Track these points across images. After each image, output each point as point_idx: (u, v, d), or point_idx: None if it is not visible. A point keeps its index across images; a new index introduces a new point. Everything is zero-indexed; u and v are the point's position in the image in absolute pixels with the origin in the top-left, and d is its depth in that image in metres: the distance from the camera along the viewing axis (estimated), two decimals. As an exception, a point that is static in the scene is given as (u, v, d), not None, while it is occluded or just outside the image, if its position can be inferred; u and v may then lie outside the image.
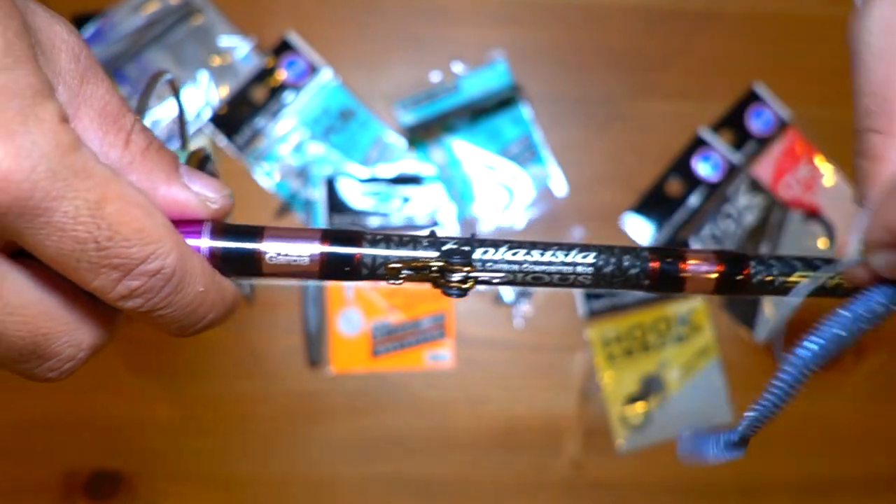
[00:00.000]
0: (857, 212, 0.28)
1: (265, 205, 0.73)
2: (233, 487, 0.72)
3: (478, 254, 0.29)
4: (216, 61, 0.74)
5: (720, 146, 0.76)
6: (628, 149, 0.76)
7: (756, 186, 0.76)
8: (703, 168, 0.76)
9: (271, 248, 0.28)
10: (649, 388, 0.74)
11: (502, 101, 0.75)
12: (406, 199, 0.74)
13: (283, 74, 0.74)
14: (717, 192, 0.76)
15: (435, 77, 0.75)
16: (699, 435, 0.30)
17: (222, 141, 0.74)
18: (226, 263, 0.28)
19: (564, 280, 0.30)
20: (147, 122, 0.29)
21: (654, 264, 0.30)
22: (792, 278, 0.30)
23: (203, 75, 0.74)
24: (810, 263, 0.31)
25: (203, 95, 0.74)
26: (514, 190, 0.75)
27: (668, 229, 0.75)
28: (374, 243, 0.29)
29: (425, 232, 0.30)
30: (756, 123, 0.77)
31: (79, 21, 0.73)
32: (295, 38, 0.74)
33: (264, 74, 0.74)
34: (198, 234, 0.28)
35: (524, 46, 0.76)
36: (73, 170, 0.23)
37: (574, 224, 0.75)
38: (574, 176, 0.75)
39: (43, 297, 0.25)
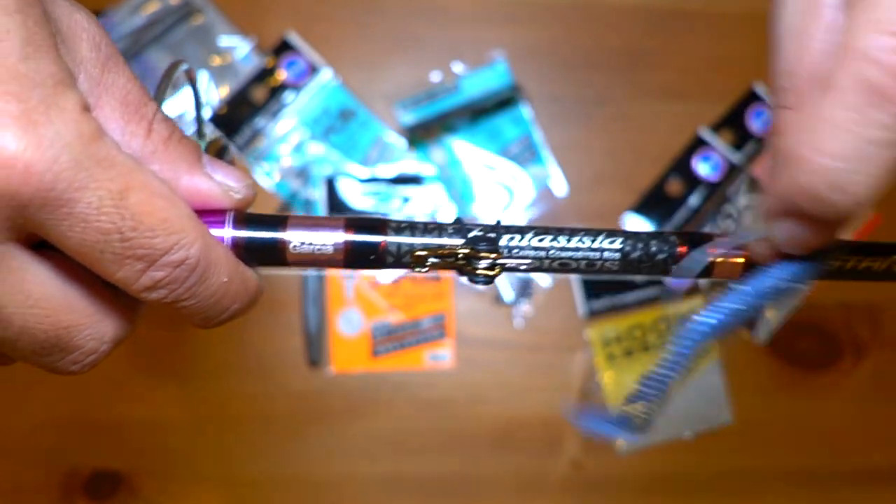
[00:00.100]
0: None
1: (265, 205, 0.73)
2: (233, 487, 0.72)
3: (504, 240, 0.29)
4: (216, 61, 0.74)
5: (720, 146, 0.76)
6: (628, 149, 0.76)
7: (756, 186, 0.76)
8: (703, 168, 0.76)
9: (295, 238, 0.28)
10: (649, 388, 0.74)
11: (502, 101, 0.75)
12: (406, 199, 0.74)
13: (283, 74, 0.74)
14: (717, 192, 0.76)
15: (435, 77, 0.75)
16: (593, 413, 0.29)
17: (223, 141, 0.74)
18: (249, 253, 0.28)
19: (591, 266, 0.29)
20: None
21: (682, 249, 0.29)
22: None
23: (203, 75, 0.74)
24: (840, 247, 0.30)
25: (203, 95, 0.74)
26: (514, 190, 0.75)
27: (668, 230, 0.75)
28: (398, 231, 0.29)
29: (450, 219, 0.30)
30: (756, 123, 0.77)
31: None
32: (295, 38, 0.74)
33: (264, 74, 0.74)
34: (221, 224, 0.28)
35: (524, 46, 0.76)
36: (96, 159, 0.23)
37: (574, 224, 0.75)
38: (574, 176, 0.75)
39: (65, 290, 0.25)
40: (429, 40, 0.76)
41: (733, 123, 0.77)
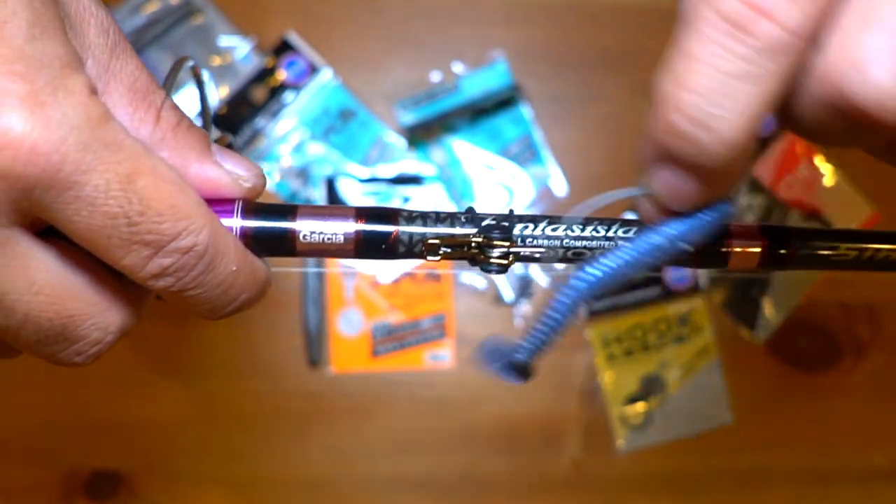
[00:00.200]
0: None
1: (265, 205, 0.73)
2: (233, 487, 0.72)
3: (517, 229, 0.28)
4: (216, 61, 0.74)
5: (720, 146, 0.76)
6: (628, 149, 0.76)
7: (756, 186, 0.76)
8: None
9: (305, 227, 0.28)
10: (649, 388, 0.74)
11: (502, 101, 0.75)
12: (406, 199, 0.74)
13: (283, 74, 0.74)
14: (717, 192, 0.76)
15: (435, 77, 0.75)
16: (495, 348, 0.29)
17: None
18: (258, 243, 0.28)
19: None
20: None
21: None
22: (839, 251, 0.29)
23: (203, 75, 0.74)
24: (860, 236, 0.29)
25: (209, 92, 0.74)
26: (514, 190, 0.75)
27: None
28: (410, 220, 0.28)
29: (462, 209, 0.29)
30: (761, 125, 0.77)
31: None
32: (295, 38, 0.74)
33: (264, 74, 0.74)
34: (230, 213, 0.27)
35: (524, 46, 0.76)
36: (104, 142, 0.22)
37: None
38: (574, 176, 0.75)
39: (70, 277, 0.25)
40: (429, 40, 0.76)
41: (733, 123, 0.77)
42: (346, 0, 0.76)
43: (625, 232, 0.28)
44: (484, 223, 0.29)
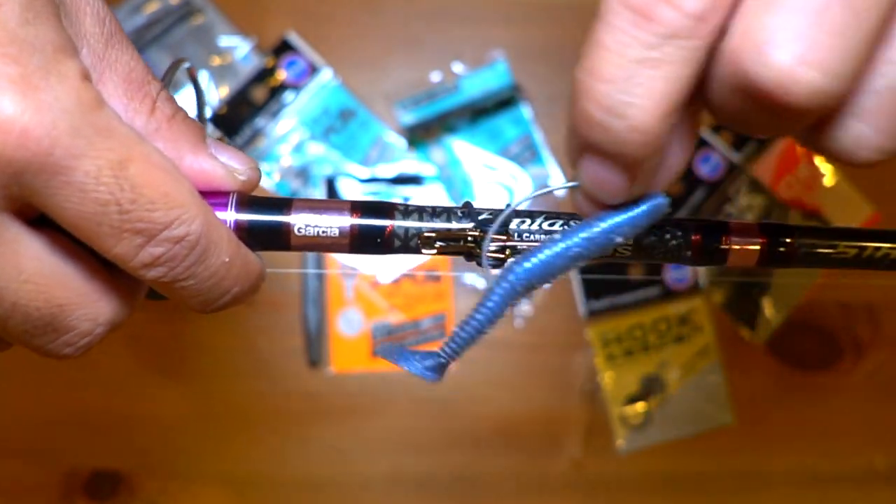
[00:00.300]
0: None
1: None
2: (233, 487, 0.72)
3: (514, 224, 0.28)
4: (216, 61, 0.74)
5: (720, 146, 0.76)
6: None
7: (756, 186, 0.76)
8: (704, 168, 0.76)
9: (300, 221, 0.27)
10: (649, 388, 0.74)
11: (502, 101, 0.75)
12: (406, 200, 0.74)
13: (283, 74, 0.74)
14: (717, 192, 0.76)
15: (435, 77, 0.75)
16: (399, 350, 0.29)
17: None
18: (253, 236, 0.27)
19: (606, 251, 0.29)
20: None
21: (697, 236, 0.29)
22: (839, 249, 0.29)
23: (203, 75, 0.74)
24: (858, 234, 0.29)
25: (205, 93, 0.74)
26: (514, 190, 0.75)
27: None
28: (406, 214, 0.28)
29: (459, 203, 0.29)
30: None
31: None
32: (295, 38, 0.74)
33: (264, 74, 0.74)
34: (224, 206, 0.27)
35: (524, 46, 0.76)
36: (96, 128, 0.22)
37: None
38: (574, 176, 0.75)
39: (60, 266, 0.25)
40: (429, 40, 0.76)
41: (733, 123, 0.77)
42: (346, 0, 0.76)
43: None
44: (480, 217, 0.28)
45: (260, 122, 0.74)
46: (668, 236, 0.29)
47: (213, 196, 0.27)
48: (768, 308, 0.75)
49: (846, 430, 0.76)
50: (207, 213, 0.25)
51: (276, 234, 0.28)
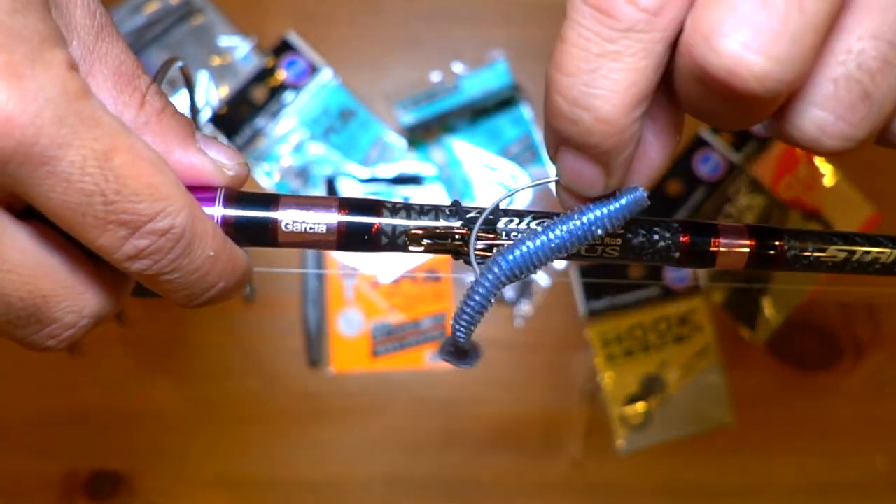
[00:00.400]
0: None
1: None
2: (233, 487, 0.72)
3: (502, 223, 0.28)
4: (216, 61, 0.74)
5: (720, 146, 0.76)
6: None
7: (756, 186, 0.76)
8: (703, 168, 0.76)
9: (287, 217, 0.27)
10: (649, 388, 0.74)
11: (502, 101, 0.75)
12: (406, 200, 0.74)
13: (283, 74, 0.74)
14: (717, 192, 0.76)
15: (435, 77, 0.75)
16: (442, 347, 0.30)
17: (222, 141, 0.73)
18: (240, 232, 0.27)
19: (592, 251, 0.29)
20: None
21: (685, 238, 0.29)
22: (828, 253, 0.29)
23: (203, 75, 0.74)
24: (847, 238, 0.29)
25: (203, 95, 0.74)
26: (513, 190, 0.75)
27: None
28: (394, 212, 0.28)
29: (445, 202, 0.29)
30: (757, 125, 0.77)
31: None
32: (295, 38, 0.74)
33: (264, 74, 0.74)
34: (211, 201, 0.27)
35: (524, 46, 0.76)
36: (81, 117, 0.22)
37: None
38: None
39: (45, 257, 0.24)
40: (429, 40, 0.76)
41: (733, 123, 0.77)
42: (346, 0, 0.76)
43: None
44: (468, 216, 0.28)
45: (260, 122, 0.74)
46: (656, 237, 0.29)
47: (201, 191, 0.27)
48: (768, 308, 0.75)
49: (846, 430, 0.76)
50: (193, 206, 0.25)
51: (263, 229, 0.27)
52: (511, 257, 0.26)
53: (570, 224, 0.26)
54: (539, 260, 0.26)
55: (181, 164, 0.26)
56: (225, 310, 0.73)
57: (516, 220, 0.28)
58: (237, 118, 0.74)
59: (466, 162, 0.75)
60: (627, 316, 0.75)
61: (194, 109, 0.33)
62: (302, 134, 0.74)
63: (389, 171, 0.74)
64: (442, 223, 0.28)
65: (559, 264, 0.75)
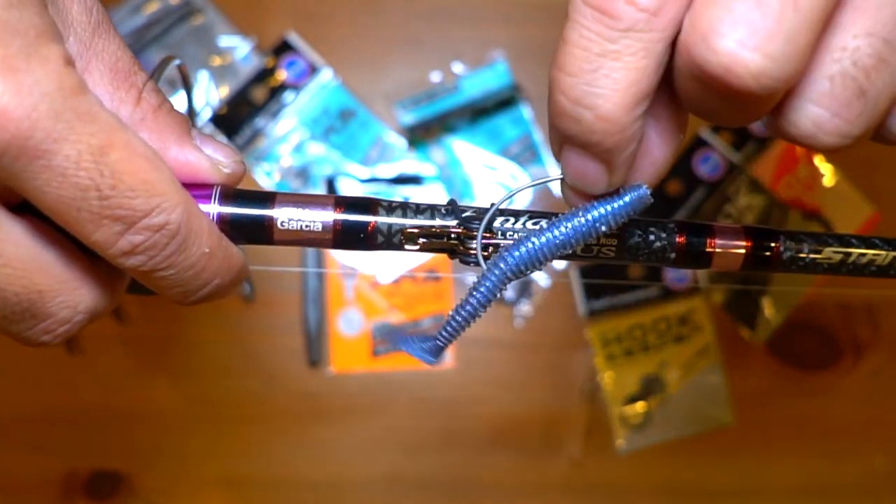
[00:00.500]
0: None
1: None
2: (233, 487, 0.72)
3: (498, 222, 0.28)
4: (216, 61, 0.74)
5: (720, 146, 0.76)
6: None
7: (756, 186, 0.76)
8: (703, 168, 0.76)
9: (283, 215, 0.27)
10: (649, 388, 0.74)
11: (502, 101, 0.75)
12: (406, 199, 0.74)
13: (283, 74, 0.74)
14: (717, 192, 0.76)
15: (435, 77, 0.75)
16: (400, 335, 0.29)
17: (222, 141, 0.73)
18: (235, 230, 0.27)
19: (588, 251, 0.29)
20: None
21: (681, 238, 0.29)
22: (823, 255, 0.29)
23: (203, 75, 0.74)
24: (843, 240, 0.29)
25: (203, 95, 0.74)
26: (513, 190, 0.75)
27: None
28: (390, 211, 0.28)
29: (443, 201, 0.29)
30: (756, 124, 0.77)
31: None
32: (295, 38, 0.74)
33: (264, 74, 0.74)
34: (208, 198, 0.27)
35: (524, 46, 0.76)
36: (77, 112, 0.22)
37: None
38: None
39: (41, 252, 0.24)
40: (429, 40, 0.76)
41: (733, 123, 0.76)
42: (346, 0, 0.76)
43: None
44: (464, 215, 0.28)
45: (260, 122, 0.74)
46: (652, 237, 0.29)
47: (197, 188, 0.27)
48: (768, 308, 0.75)
49: (846, 430, 0.76)
50: (188, 202, 0.25)
51: (259, 227, 0.27)
52: (517, 254, 0.26)
53: (575, 221, 0.26)
54: (544, 256, 0.26)
55: (177, 160, 0.26)
56: (225, 309, 0.73)
57: (512, 220, 0.29)
58: (237, 118, 0.74)
59: (466, 162, 0.75)
60: (627, 316, 0.75)
61: (191, 108, 0.33)
62: (302, 134, 0.74)
63: (389, 171, 0.74)
64: (438, 222, 0.28)
65: (559, 264, 0.75)
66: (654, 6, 0.22)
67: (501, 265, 0.26)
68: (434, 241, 0.28)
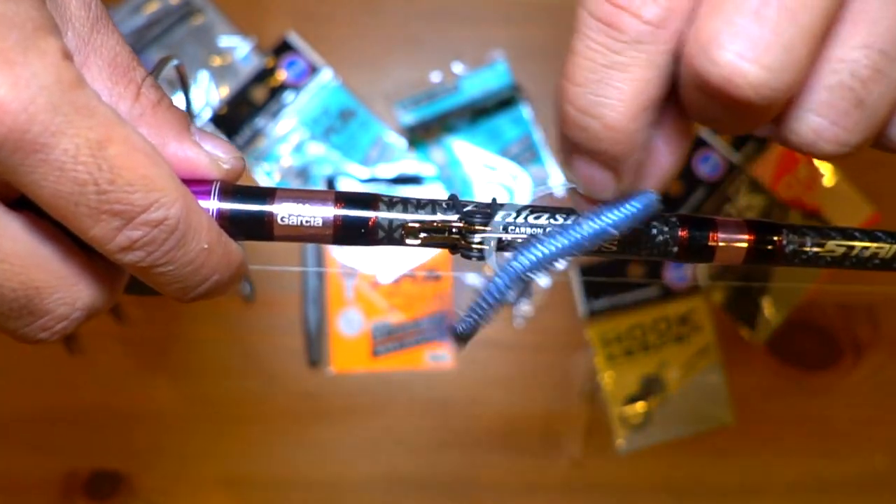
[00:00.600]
0: None
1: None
2: (232, 487, 0.72)
3: (499, 216, 0.29)
4: (216, 61, 0.74)
5: (720, 146, 0.76)
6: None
7: (756, 186, 0.76)
8: (703, 168, 0.76)
9: (283, 210, 0.27)
10: (649, 388, 0.74)
11: (502, 101, 0.75)
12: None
13: (283, 74, 0.74)
14: (717, 192, 0.76)
15: (435, 77, 0.75)
16: (442, 324, 0.30)
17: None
18: (235, 226, 0.27)
19: (599, 244, 0.29)
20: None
21: (683, 232, 0.29)
22: (826, 248, 0.29)
23: (203, 75, 0.74)
24: (846, 233, 0.29)
25: (203, 95, 0.74)
26: (514, 190, 0.75)
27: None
28: (390, 206, 0.28)
29: (444, 196, 0.29)
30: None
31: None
32: (295, 38, 0.74)
33: (264, 74, 0.74)
34: (207, 194, 0.27)
35: (524, 46, 0.76)
36: (75, 106, 0.22)
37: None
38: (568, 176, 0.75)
39: (38, 248, 0.24)
40: (429, 40, 0.76)
41: (733, 123, 0.77)
42: (346, 0, 0.76)
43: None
44: (465, 209, 0.28)
45: (260, 122, 0.74)
46: (654, 231, 0.29)
47: (197, 184, 0.27)
48: (768, 308, 0.75)
49: (846, 430, 0.76)
50: (187, 197, 0.25)
51: (258, 223, 0.27)
52: (531, 255, 0.27)
53: (586, 225, 0.26)
54: (556, 258, 0.27)
55: (176, 156, 0.26)
56: (225, 309, 0.73)
57: (514, 214, 0.29)
58: (237, 118, 0.74)
59: (466, 162, 0.75)
60: (627, 316, 0.75)
61: (189, 108, 0.33)
62: (302, 134, 0.74)
63: (389, 171, 0.74)
64: (439, 217, 0.28)
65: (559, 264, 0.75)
66: (659, 19, 0.22)
67: (515, 265, 0.27)
68: (435, 235, 0.28)
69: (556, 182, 0.75)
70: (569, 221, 0.28)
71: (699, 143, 0.76)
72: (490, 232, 0.28)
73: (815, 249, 0.29)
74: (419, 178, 0.74)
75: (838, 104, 0.23)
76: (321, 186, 0.74)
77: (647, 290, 0.75)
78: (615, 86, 0.23)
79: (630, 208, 0.26)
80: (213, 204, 0.27)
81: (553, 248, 0.27)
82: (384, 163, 0.74)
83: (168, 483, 0.72)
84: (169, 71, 0.30)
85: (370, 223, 0.28)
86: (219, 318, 0.73)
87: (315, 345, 0.72)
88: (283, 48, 0.74)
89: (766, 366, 0.75)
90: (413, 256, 0.73)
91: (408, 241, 0.28)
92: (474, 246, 0.28)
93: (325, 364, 0.72)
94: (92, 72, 0.25)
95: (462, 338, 0.29)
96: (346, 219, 0.28)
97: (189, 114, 0.32)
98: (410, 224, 0.28)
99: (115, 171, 0.23)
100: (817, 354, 0.76)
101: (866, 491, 0.75)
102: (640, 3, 0.22)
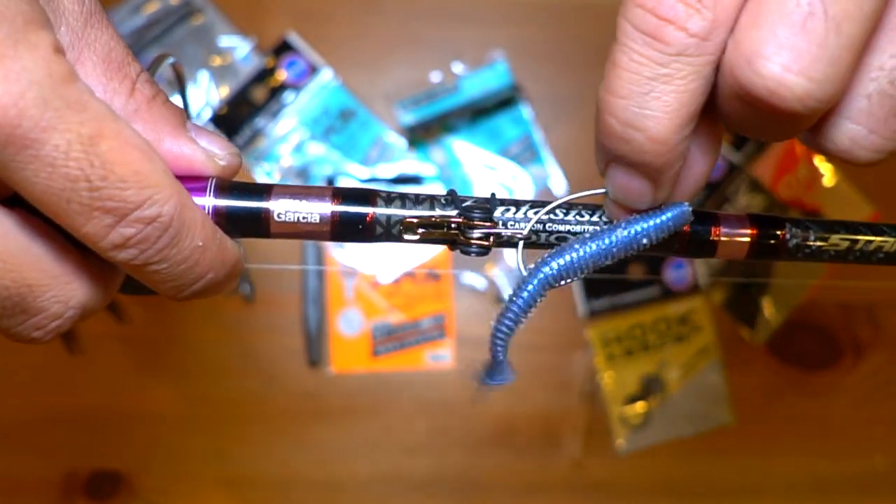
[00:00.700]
0: None
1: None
2: (233, 487, 0.72)
3: (499, 211, 0.28)
4: (216, 61, 0.74)
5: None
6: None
7: (756, 186, 0.76)
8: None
9: (280, 207, 0.27)
10: (649, 388, 0.74)
11: (502, 101, 0.75)
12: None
13: (283, 74, 0.74)
14: (717, 192, 0.76)
15: (435, 77, 0.75)
16: (481, 379, 0.30)
17: (222, 141, 0.74)
18: (231, 223, 0.27)
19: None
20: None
21: (685, 227, 0.29)
22: (830, 242, 0.29)
23: (203, 75, 0.74)
24: (850, 227, 0.29)
25: (203, 95, 0.74)
26: (514, 190, 0.75)
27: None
28: (388, 202, 0.28)
29: (443, 191, 0.29)
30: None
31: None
32: (295, 38, 0.74)
33: (264, 74, 0.74)
34: (203, 191, 0.26)
35: (524, 46, 0.76)
36: (66, 101, 0.22)
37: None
38: (574, 176, 0.75)
39: (31, 245, 0.24)
40: (429, 40, 0.76)
41: (733, 123, 0.76)
42: (346, 0, 0.76)
43: (607, 217, 0.28)
44: (464, 205, 0.28)
45: (260, 122, 0.74)
46: None
47: (192, 181, 0.26)
48: (768, 308, 0.75)
49: (846, 430, 0.76)
50: (181, 194, 0.24)
51: (255, 220, 0.27)
52: (562, 261, 0.27)
53: (619, 233, 0.26)
54: (586, 266, 0.27)
55: (171, 152, 0.26)
56: (225, 309, 0.73)
57: (513, 210, 0.28)
58: (237, 118, 0.74)
59: (466, 162, 0.75)
60: (627, 316, 0.75)
61: (186, 106, 0.33)
62: (302, 134, 0.74)
63: (389, 171, 0.74)
64: (438, 212, 0.28)
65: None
66: (705, 32, 0.22)
67: (546, 270, 0.27)
68: (434, 231, 0.28)
69: (556, 183, 0.75)
70: (569, 217, 0.28)
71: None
72: (492, 227, 0.28)
73: (819, 243, 0.29)
74: (419, 178, 0.74)
75: (876, 112, 0.23)
76: (321, 186, 0.74)
77: (648, 290, 0.75)
78: (660, 98, 0.23)
79: (664, 219, 0.26)
80: (208, 200, 0.26)
81: (584, 254, 0.26)
82: (384, 163, 0.74)
83: (168, 483, 0.72)
84: (166, 69, 0.30)
85: (368, 219, 0.27)
86: (219, 318, 0.73)
87: (315, 345, 0.72)
88: (283, 48, 0.74)
89: (766, 366, 0.75)
90: (413, 256, 0.73)
91: (406, 236, 0.28)
92: (473, 241, 0.28)
93: (325, 364, 0.72)
94: (86, 67, 0.25)
95: (500, 364, 0.29)
96: (343, 215, 0.27)
97: (185, 110, 0.32)
98: (408, 220, 0.28)
99: (107, 167, 0.22)
100: (817, 354, 0.76)
101: (866, 491, 0.75)
102: (685, 15, 0.22)
